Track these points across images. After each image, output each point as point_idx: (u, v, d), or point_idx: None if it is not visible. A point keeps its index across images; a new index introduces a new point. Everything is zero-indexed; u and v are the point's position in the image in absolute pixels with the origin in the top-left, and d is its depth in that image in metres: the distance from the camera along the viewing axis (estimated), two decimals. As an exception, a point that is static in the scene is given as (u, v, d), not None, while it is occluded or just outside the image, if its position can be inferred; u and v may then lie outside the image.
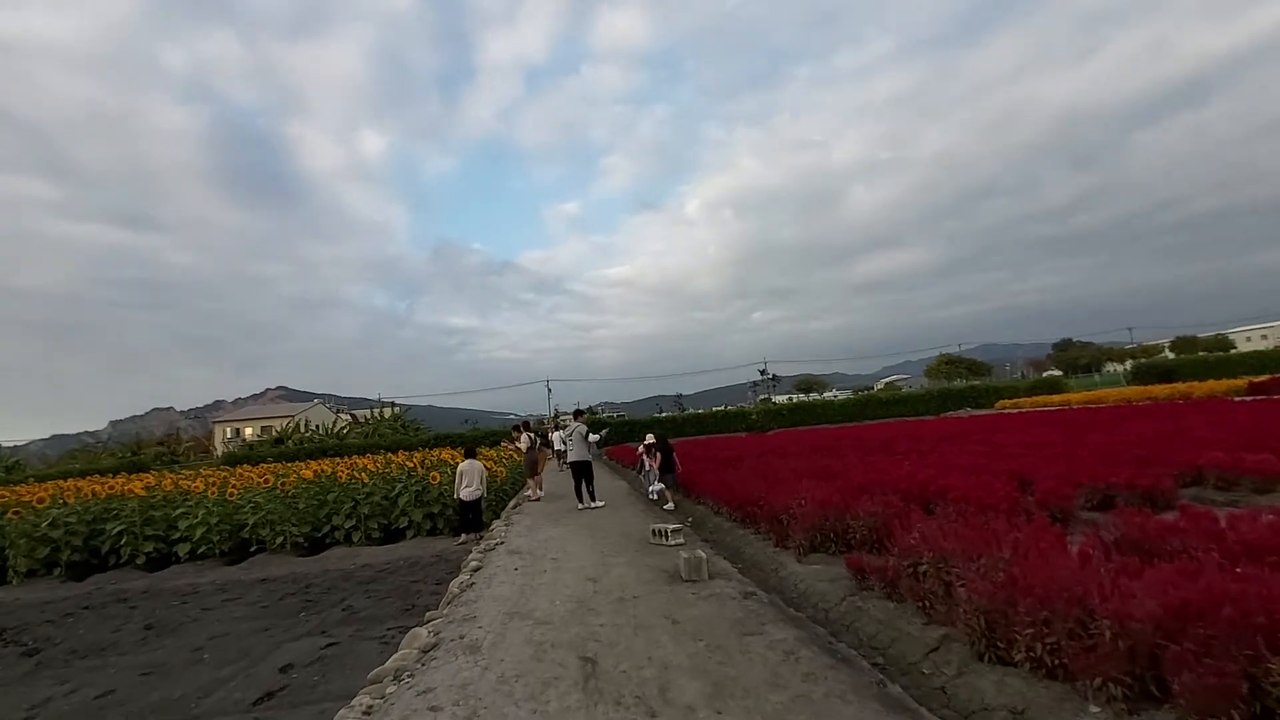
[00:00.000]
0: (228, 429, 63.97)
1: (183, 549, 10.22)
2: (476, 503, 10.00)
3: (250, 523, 10.37)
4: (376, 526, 10.74)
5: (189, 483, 11.72)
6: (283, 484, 10.81)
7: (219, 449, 53.30)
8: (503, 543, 7.57)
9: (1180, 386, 27.39)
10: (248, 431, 62.18)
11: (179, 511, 10.41)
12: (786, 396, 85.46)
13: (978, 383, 47.59)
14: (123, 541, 10.06)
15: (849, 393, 78.05)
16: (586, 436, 11.32)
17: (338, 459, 18.86)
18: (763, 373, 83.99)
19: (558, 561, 6.35)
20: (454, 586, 5.52)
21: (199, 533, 10.22)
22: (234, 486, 10.64)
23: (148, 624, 6.59)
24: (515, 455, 14.18)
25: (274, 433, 44.52)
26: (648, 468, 12.00)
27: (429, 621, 4.83)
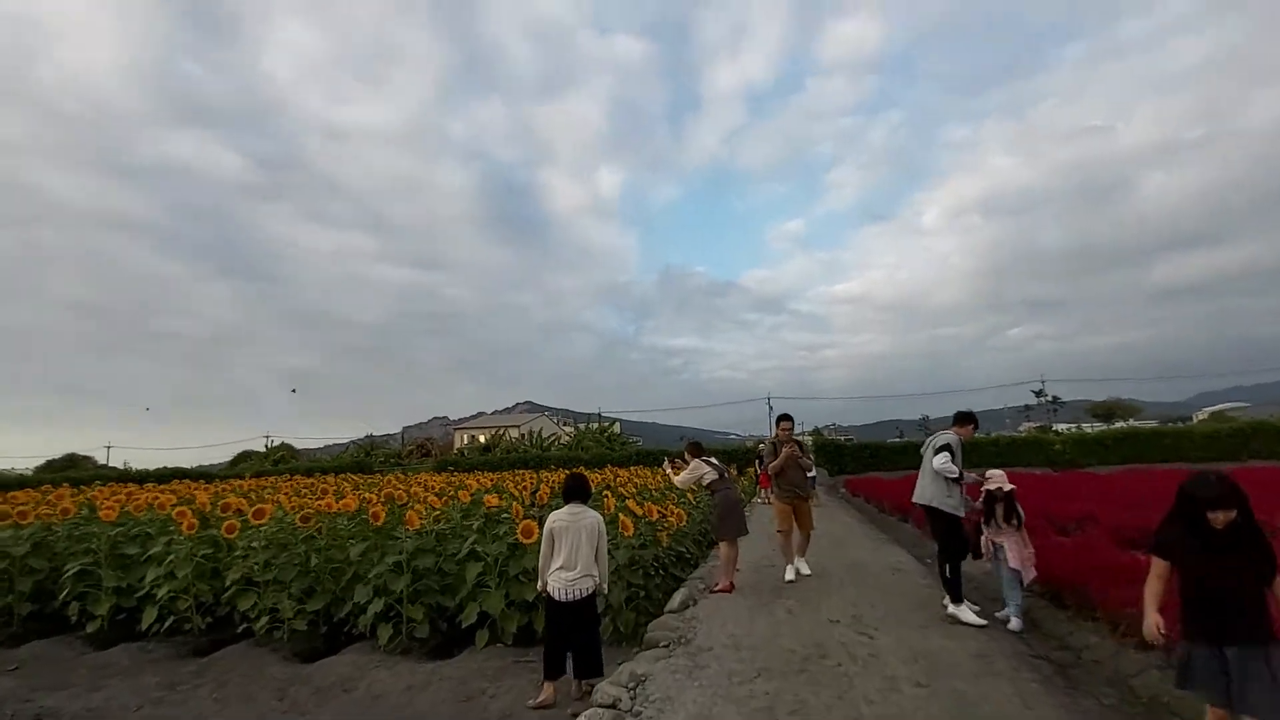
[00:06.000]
0: (465, 435, 68.95)
1: (148, 614, 6.14)
2: (585, 606, 4.20)
3: (229, 585, 5.96)
4: (425, 614, 5.61)
5: (256, 498, 7.84)
6: (302, 517, 6.23)
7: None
8: None
9: None
10: (481, 438, 65.87)
11: (150, 554, 6.42)
12: (1073, 425, 66.37)
13: None
14: (66, 592, 6.31)
15: (1154, 423, 57.95)
16: (939, 451, 5.36)
17: (464, 474, 14.79)
18: (1039, 394, 66.14)
19: None
20: None
21: (163, 591, 6.07)
22: (232, 520, 6.33)
23: None
24: (690, 490, 8.14)
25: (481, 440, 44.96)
26: (991, 550, 5.14)
27: None
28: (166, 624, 6.06)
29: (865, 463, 29.57)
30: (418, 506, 6.37)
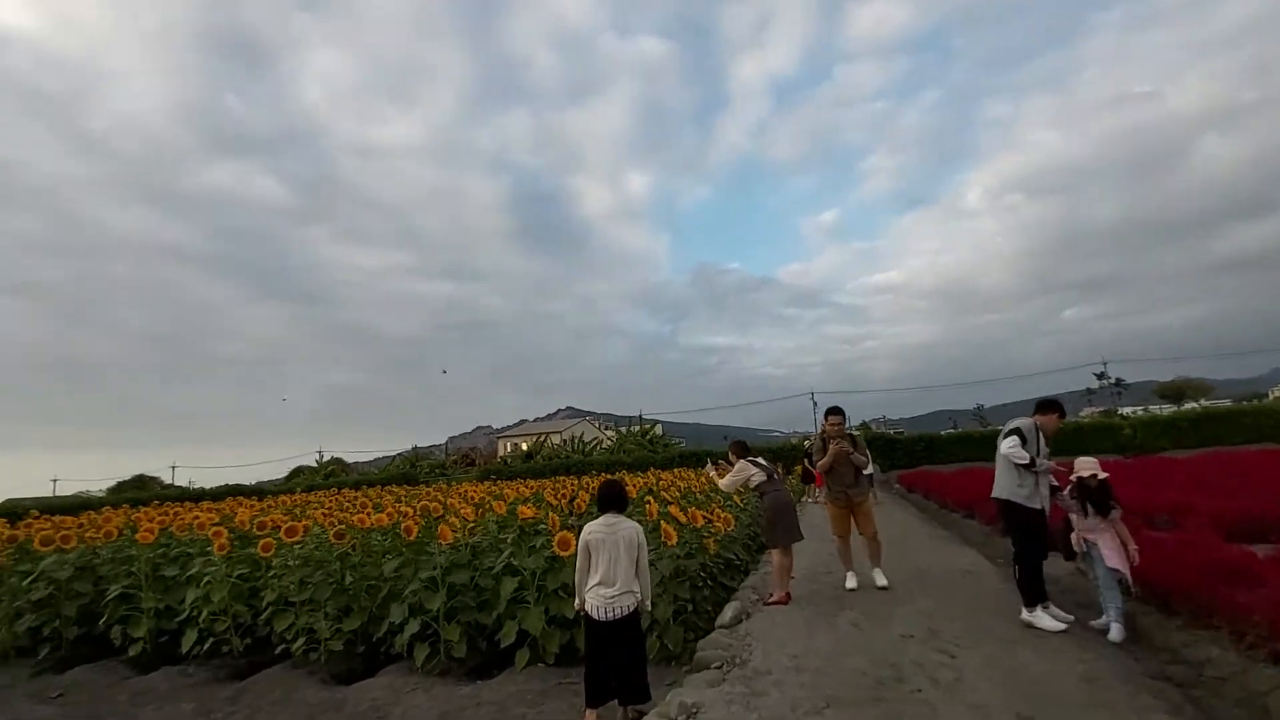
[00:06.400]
0: (508, 443, 69.67)
1: (189, 636, 6.06)
2: (627, 625, 3.82)
3: (266, 605, 5.81)
4: (462, 633, 5.32)
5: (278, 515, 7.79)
6: (336, 534, 6.05)
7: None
8: None
9: None
10: (524, 446, 66.40)
11: (189, 575, 6.34)
12: (1139, 408, 62.68)
13: None
14: (106, 614, 6.30)
15: (1227, 402, 54.05)
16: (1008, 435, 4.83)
17: (501, 482, 14.58)
18: (1100, 376, 62.75)
19: None
20: None
21: (204, 613, 5.98)
22: (268, 538, 6.20)
23: None
24: (737, 492, 7.65)
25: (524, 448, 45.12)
26: (1084, 548, 4.56)
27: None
28: (206, 646, 5.96)
29: (918, 456, 28.43)
30: (451, 519, 6.11)
